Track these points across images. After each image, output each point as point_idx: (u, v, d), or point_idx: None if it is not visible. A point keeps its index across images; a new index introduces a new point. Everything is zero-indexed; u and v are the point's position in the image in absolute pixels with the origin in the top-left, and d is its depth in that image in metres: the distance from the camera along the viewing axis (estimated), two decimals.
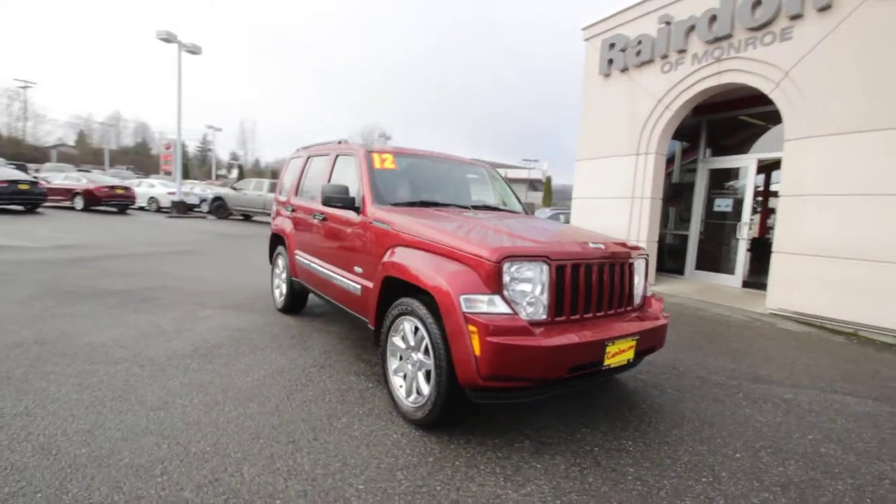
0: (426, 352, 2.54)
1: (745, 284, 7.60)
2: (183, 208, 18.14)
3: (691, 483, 2.21)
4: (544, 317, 2.37)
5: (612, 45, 8.01)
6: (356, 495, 1.96)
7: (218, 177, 46.72)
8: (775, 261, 5.96)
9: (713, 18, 6.46)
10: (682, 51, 6.96)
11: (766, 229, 11.75)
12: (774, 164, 8.35)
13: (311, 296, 4.70)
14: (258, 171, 64.72)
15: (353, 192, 3.43)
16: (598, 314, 2.60)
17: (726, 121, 8.25)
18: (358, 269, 3.26)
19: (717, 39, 6.46)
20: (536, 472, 2.22)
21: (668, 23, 7.10)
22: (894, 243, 4.92)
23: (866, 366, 4.15)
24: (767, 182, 11.52)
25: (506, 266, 2.30)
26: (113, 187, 16.64)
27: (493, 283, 2.29)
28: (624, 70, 7.88)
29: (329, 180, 3.99)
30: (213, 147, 52.99)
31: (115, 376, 3.00)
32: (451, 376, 2.34)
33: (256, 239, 12.05)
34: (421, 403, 2.51)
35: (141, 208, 19.88)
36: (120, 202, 16.89)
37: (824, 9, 5.34)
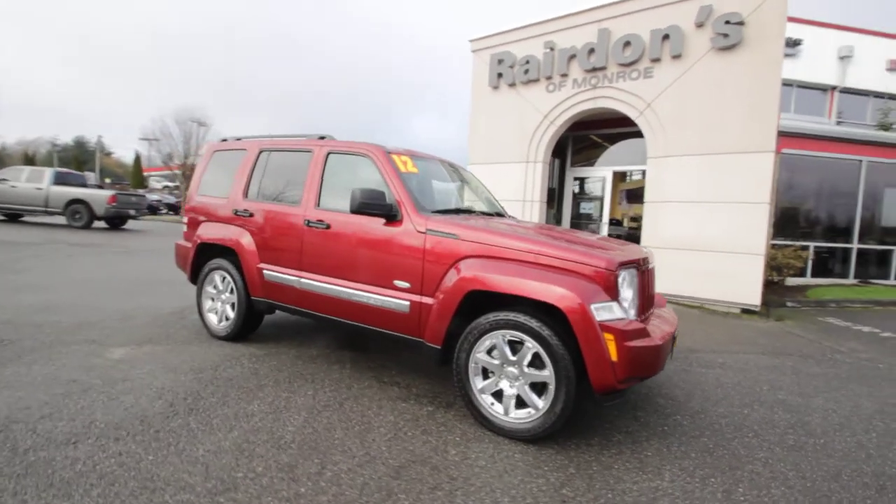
0: (533, 365, 2.51)
1: None
2: None
3: (747, 440, 2.74)
4: (635, 318, 2.61)
5: (500, 61, 8.72)
6: None
7: None
8: None
9: (591, 51, 7.67)
10: (564, 75, 8.05)
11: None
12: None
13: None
14: None
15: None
16: (649, 313, 2.97)
17: (583, 137, 9.84)
18: (402, 284, 2.95)
19: (594, 69, 7.70)
20: (655, 459, 2.45)
21: (552, 48, 8.11)
22: (720, 237, 6.72)
23: (734, 331, 5.63)
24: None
25: (620, 274, 2.46)
26: None
27: (612, 290, 2.43)
28: (512, 85, 8.68)
29: (321, 183, 3.45)
30: None
31: (96, 461, 2.09)
32: (577, 384, 2.39)
33: (56, 247, 9.22)
34: (535, 416, 2.48)
35: None
36: None
37: (676, 57, 6.91)
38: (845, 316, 6.88)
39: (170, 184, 41.68)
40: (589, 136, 9.76)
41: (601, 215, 9.16)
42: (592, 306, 2.32)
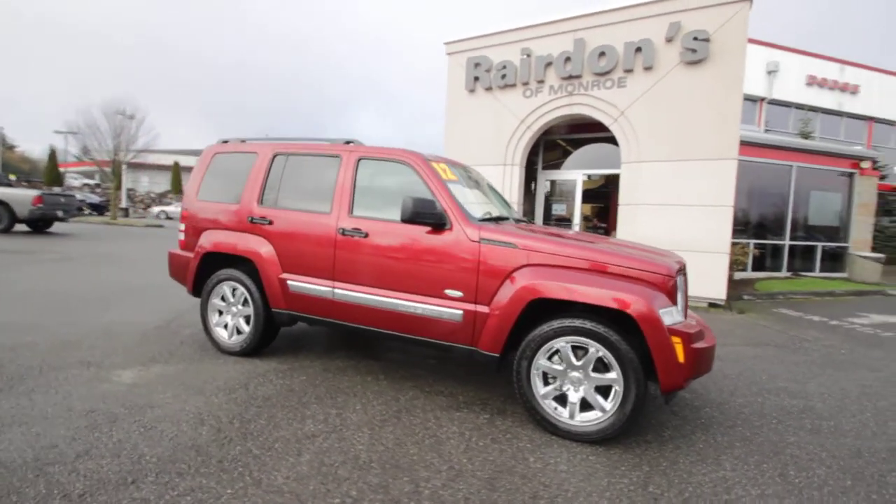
0: (597, 369, 2.59)
1: None
2: None
3: (773, 426, 3.00)
4: (684, 321, 2.77)
5: (477, 65, 8.81)
6: None
7: None
8: None
9: (567, 59, 7.96)
10: (541, 81, 8.29)
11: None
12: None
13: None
14: None
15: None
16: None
17: (551, 141, 10.18)
18: (454, 293, 2.93)
19: (570, 77, 8.00)
20: (710, 450, 2.62)
21: (528, 55, 8.32)
22: (690, 237, 7.24)
23: (711, 324, 6.03)
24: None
25: (678, 280, 2.61)
26: None
27: (672, 296, 2.57)
28: (489, 89, 8.80)
29: (353, 190, 3.34)
30: None
31: (170, 501, 1.90)
32: (645, 385, 2.51)
33: None
34: (604, 418, 2.56)
35: None
36: None
37: (648, 68, 7.35)
38: (794, 307, 7.69)
39: (89, 181, 37.93)
40: (556, 140, 10.11)
41: (573, 216, 9.53)
42: (661, 311, 2.45)
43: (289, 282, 3.46)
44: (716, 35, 6.83)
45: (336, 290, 3.28)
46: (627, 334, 2.54)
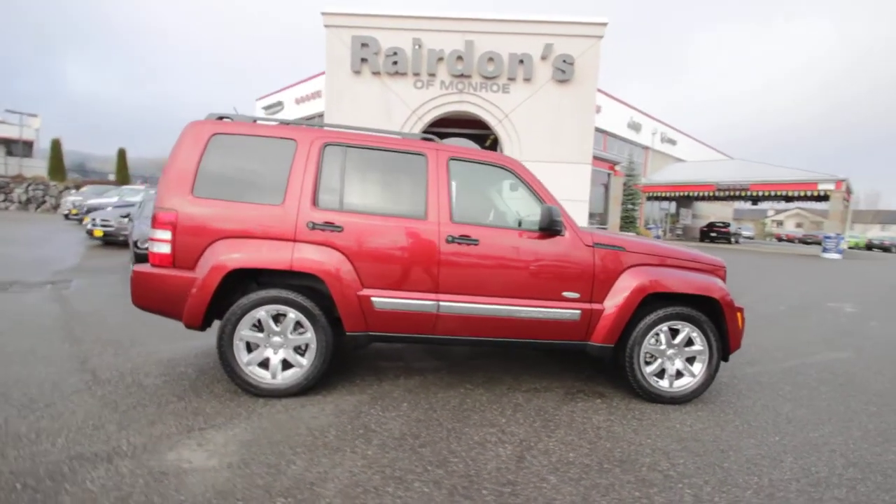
0: (687, 344, 3.29)
1: None
2: None
3: (750, 367, 4.32)
4: None
5: (364, 45, 8.34)
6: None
7: None
8: None
9: (459, 58, 8.38)
10: (432, 74, 8.49)
11: None
12: None
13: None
14: None
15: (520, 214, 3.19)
16: None
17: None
18: (572, 295, 3.14)
19: (462, 76, 8.47)
20: (760, 403, 3.66)
21: (420, 46, 8.38)
22: None
23: None
24: None
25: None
26: None
27: (725, 281, 3.46)
28: (377, 73, 8.48)
29: (450, 193, 3.10)
30: None
31: None
32: (720, 353, 3.33)
33: None
34: (695, 381, 3.28)
35: None
36: None
37: (528, 80, 8.45)
38: None
39: None
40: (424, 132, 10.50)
41: None
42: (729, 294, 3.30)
43: (373, 299, 2.98)
44: (578, 60, 8.39)
45: (442, 303, 3.03)
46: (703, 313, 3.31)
